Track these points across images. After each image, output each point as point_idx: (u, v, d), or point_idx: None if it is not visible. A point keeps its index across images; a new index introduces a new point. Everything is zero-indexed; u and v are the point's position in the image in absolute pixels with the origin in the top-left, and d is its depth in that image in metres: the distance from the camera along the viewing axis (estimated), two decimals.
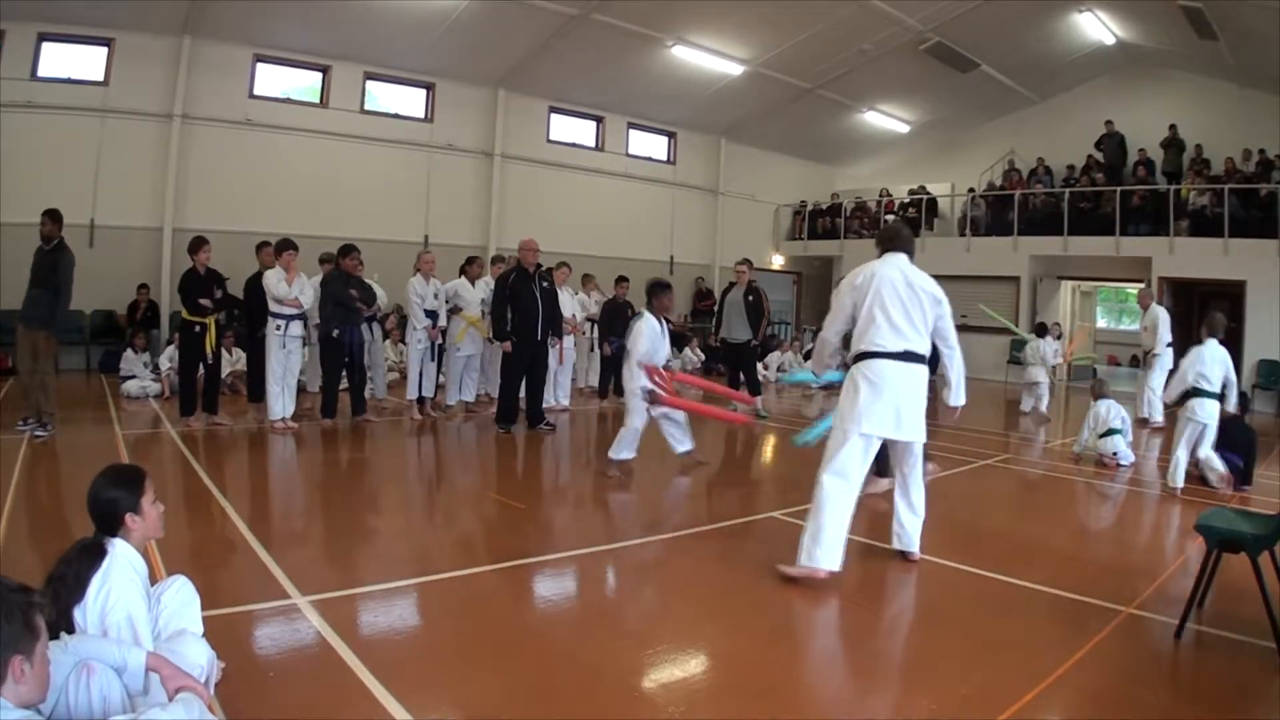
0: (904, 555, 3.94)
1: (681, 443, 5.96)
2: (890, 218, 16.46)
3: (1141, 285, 12.24)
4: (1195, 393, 5.63)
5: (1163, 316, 9.50)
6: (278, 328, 6.86)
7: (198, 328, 6.67)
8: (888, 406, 3.59)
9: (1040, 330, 10.60)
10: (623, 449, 5.62)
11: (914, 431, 3.69)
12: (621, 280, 9.55)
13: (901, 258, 3.80)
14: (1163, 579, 3.76)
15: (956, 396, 3.97)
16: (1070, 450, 7.22)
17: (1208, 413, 5.60)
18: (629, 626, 3.14)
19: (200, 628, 2.22)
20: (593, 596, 3.55)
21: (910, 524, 3.94)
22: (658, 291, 5.83)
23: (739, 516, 4.74)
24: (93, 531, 2.07)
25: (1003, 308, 14.15)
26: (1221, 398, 5.72)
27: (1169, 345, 9.36)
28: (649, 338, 5.59)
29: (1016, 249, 14.30)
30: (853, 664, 2.93)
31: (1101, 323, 20.53)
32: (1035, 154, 15.31)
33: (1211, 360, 5.60)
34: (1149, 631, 3.16)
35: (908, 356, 3.63)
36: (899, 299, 3.66)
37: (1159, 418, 9.22)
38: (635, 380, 5.59)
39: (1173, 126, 13.62)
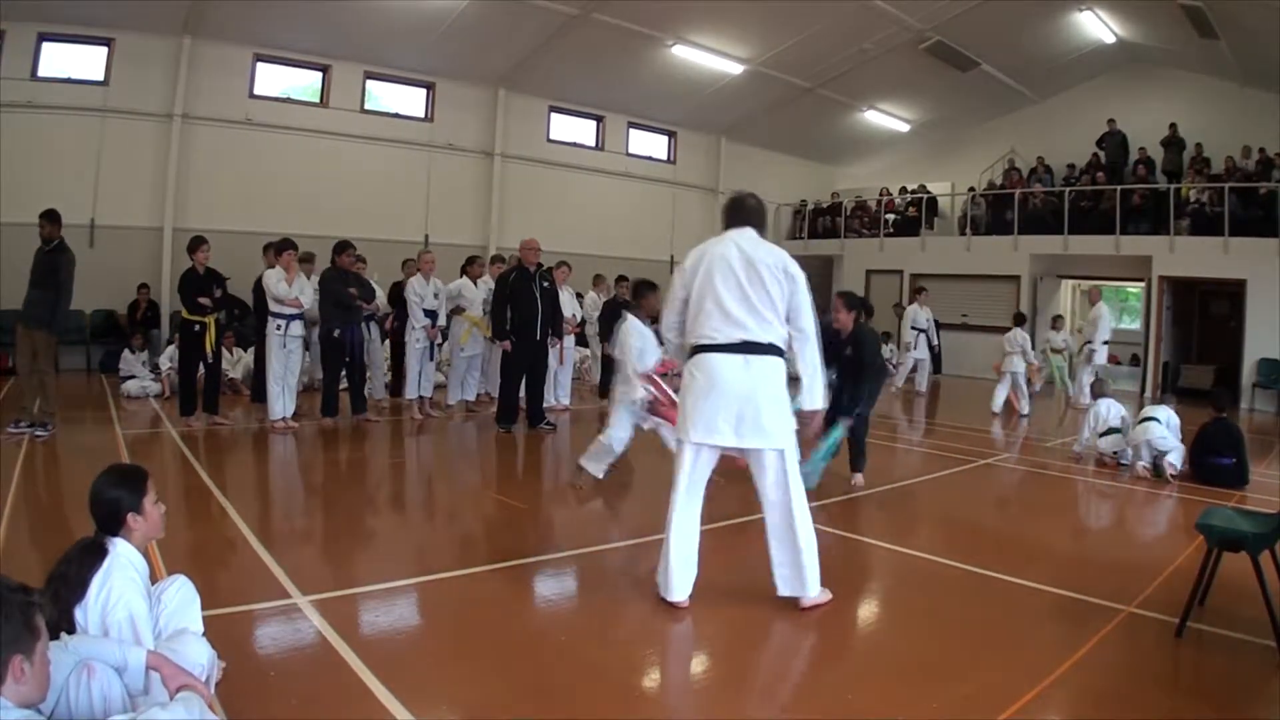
0: (798, 602, 3.19)
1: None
2: (890, 216, 16.48)
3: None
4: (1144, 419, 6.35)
5: (1104, 315, 10.28)
6: (278, 327, 6.86)
7: (197, 327, 6.68)
8: (718, 408, 3.06)
9: (1018, 320, 10.52)
10: (598, 460, 5.12)
11: (760, 436, 3.08)
12: (621, 280, 9.55)
13: (746, 233, 3.22)
14: (1163, 578, 3.76)
15: (809, 398, 3.23)
16: (1070, 450, 7.23)
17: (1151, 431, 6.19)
18: (629, 626, 3.14)
19: (201, 627, 2.22)
20: (593, 596, 3.55)
21: (785, 559, 3.17)
22: (645, 292, 5.41)
23: (738, 516, 4.73)
24: (94, 531, 2.07)
25: (1003, 307, 14.17)
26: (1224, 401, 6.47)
27: (1105, 344, 10.30)
28: (639, 339, 5.16)
29: (1017, 248, 14.29)
30: (853, 663, 2.93)
31: None
32: (1035, 153, 15.30)
33: (1167, 423, 6.28)
34: (1150, 630, 3.15)
35: (747, 348, 3.08)
36: (735, 280, 3.08)
37: (1086, 400, 9.89)
38: (633, 390, 5.05)
39: (1173, 125, 13.61)
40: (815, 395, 3.24)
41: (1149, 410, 6.42)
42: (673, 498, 3.18)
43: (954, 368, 14.23)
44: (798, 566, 3.15)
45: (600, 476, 5.15)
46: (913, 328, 11.67)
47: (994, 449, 7.52)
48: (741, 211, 3.30)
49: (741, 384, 3.06)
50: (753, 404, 3.07)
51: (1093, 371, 10.16)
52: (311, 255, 7.74)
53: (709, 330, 3.12)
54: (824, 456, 5.33)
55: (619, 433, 5.09)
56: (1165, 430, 6.17)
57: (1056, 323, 11.65)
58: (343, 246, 7.26)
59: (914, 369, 11.86)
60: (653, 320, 5.22)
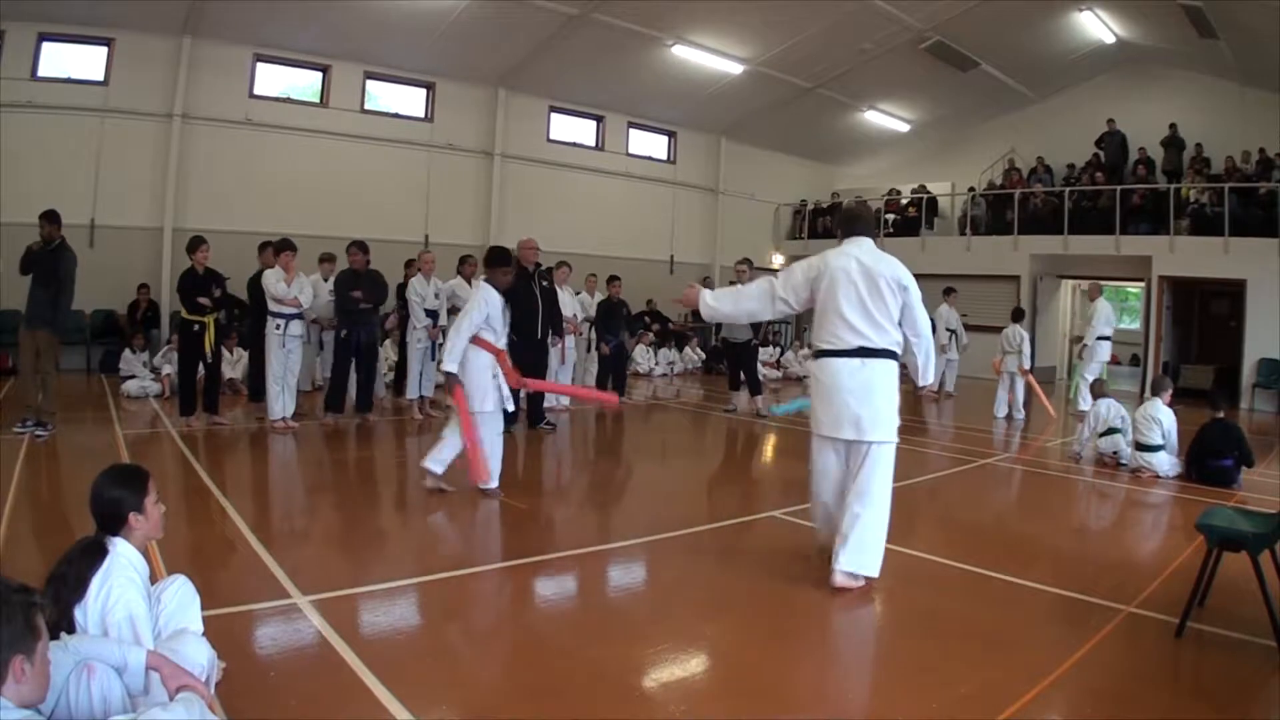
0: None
1: (438, 461, 4.85)
2: (891, 216, 16.47)
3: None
4: (1139, 445, 6.30)
5: (1103, 310, 9.94)
6: (277, 327, 6.87)
7: (196, 327, 6.67)
8: (841, 408, 3.41)
9: (1016, 316, 10.43)
10: (444, 456, 4.75)
11: (872, 431, 3.41)
12: (614, 279, 9.61)
13: (864, 244, 3.54)
14: (1163, 578, 3.76)
15: (924, 378, 3.74)
16: (1070, 450, 7.23)
17: (1153, 463, 6.21)
18: (629, 626, 3.14)
19: (200, 627, 2.22)
20: (593, 596, 3.55)
21: (853, 537, 3.40)
22: (497, 262, 4.83)
23: (739, 516, 4.74)
24: (93, 530, 2.07)
25: (1003, 307, 14.17)
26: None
27: (1101, 339, 9.82)
28: (482, 306, 4.67)
29: (1017, 248, 14.29)
30: (852, 664, 2.93)
31: None
32: (1035, 153, 15.30)
33: (1152, 418, 6.20)
34: (1150, 630, 3.15)
35: (863, 353, 3.41)
36: (855, 293, 3.41)
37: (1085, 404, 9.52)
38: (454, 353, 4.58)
39: (1173, 125, 13.61)
40: (926, 376, 3.73)
41: (1149, 428, 6.22)
42: (814, 483, 3.65)
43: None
44: (863, 546, 3.41)
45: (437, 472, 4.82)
46: (947, 329, 11.62)
47: (994, 449, 7.52)
48: (859, 222, 3.65)
49: (859, 383, 3.41)
50: (869, 402, 3.41)
51: (1096, 369, 9.86)
52: (333, 255, 7.79)
53: (830, 337, 3.46)
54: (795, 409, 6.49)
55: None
56: (1170, 461, 6.23)
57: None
58: (352, 246, 7.36)
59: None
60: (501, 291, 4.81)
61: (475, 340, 4.70)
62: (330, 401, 7.29)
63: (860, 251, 3.49)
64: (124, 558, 2.01)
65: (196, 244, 6.71)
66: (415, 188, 12.81)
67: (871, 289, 3.41)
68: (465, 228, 13.19)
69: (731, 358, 9.24)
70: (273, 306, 6.86)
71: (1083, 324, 10.29)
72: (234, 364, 9.03)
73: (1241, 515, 3.27)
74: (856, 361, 3.41)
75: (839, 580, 3.40)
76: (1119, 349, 18.61)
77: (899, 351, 3.51)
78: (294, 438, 6.62)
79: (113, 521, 2.05)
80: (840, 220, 3.71)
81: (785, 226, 18.10)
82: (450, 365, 4.63)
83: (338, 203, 11.69)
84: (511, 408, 4.86)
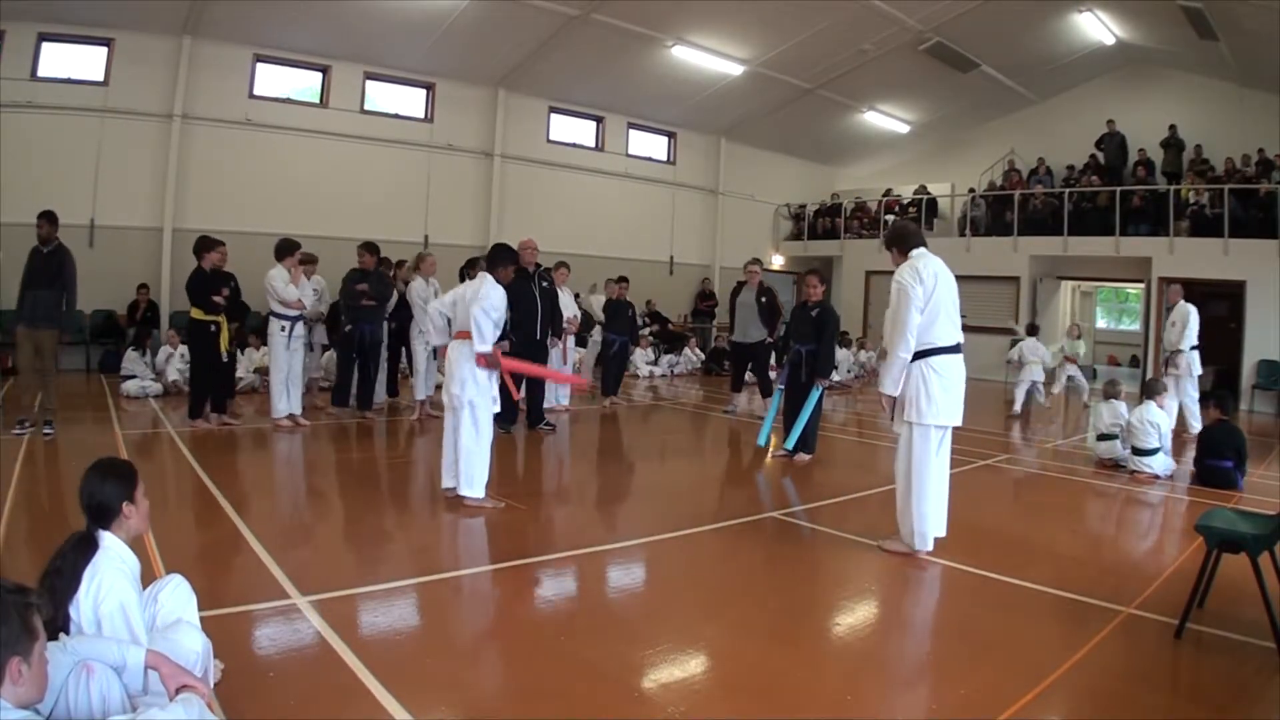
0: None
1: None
2: (891, 217, 16.48)
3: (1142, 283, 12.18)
4: (1135, 450, 6.33)
5: (1192, 314, 8.69)
6: (282, 329, 6.90)
7: (213, 327, 6.65)
8: (960, 398, 3.90)
9: (1031, 330, 10.57)
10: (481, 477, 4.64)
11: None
12: (622, 280, 9.61)
13: (930, 254, 3.97)
14: (1163, 579, 3.76)
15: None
16: (1081, 449, 7.24)
17: (1151, 465, 6.25)
18: (629, 626, 3.14)
19: (198, 626, 2.22)
20: (593, 596, 3.55)
21: (902, 511, 4.05)
22: (508, 259, 4.95)
23: (739, 516, 4.74)
24: (85, 526, 2.07)
25: (1003, 308, 14.20)
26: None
27: (1195, 347, 8.60)
28: (503, 304, 4.71)
29: (1016, 249, 14.30)
30: (853, 664, 2.92)
31: (1101, 323, 20.54)
32: (1035, 154, 15.31)
33: (1148, 422, 6.21)
34: (1149, 632, 3.15)
35: (960, 348, 3.92)
36: (951, 294, 3.88)
37: (1196, 425, 8.24)
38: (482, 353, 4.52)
39: (1172, 126, 13.62)
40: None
41: (1144, 433, 6.19)
42: (928, 467, 3.86)
43: None
44: (905, 518, 3.95)
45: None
46: None
47: (993, 450, 7.51)
48: (918, 236, 4.05)
49: (963, 376, 3.94)
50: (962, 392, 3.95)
51: (1195, 385, 8.62)
52: (314, 257, 7.81)
53: (946, 336, 3.86)
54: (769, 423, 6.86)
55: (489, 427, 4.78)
56: (1166, 461, 6.26)
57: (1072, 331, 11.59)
58: (360, 247, 7.50)
59: None
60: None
61: (463, 335, 4.64)
62: (362, 403, 7.51)
63: (940, 260, 3.92)
64: (112, 550, 2.02)
65: (212, 244, 6.64)
66: (415, 188, 12.81)
67: (956, 289, 3.92)
68: (465, 228, 13.19)
69: (741, 359, 8.90)
70: (277, 308, 6.89)
71: (1176, 331, 8.70)
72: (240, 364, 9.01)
73: (1241, 517, 3.27)
74: (960, 356, 3.91)
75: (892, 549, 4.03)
76: (1118, 350, 18.71)
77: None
78: (295, 437, 6.62)
79: (105, 515, 2.05)
80: (910, 236, 4.03)
81: (785, 227, 18.11)
82: (486, 346, 4.55)
83: (338, 203, 11.69)
84: (498, 408, 4.85)
